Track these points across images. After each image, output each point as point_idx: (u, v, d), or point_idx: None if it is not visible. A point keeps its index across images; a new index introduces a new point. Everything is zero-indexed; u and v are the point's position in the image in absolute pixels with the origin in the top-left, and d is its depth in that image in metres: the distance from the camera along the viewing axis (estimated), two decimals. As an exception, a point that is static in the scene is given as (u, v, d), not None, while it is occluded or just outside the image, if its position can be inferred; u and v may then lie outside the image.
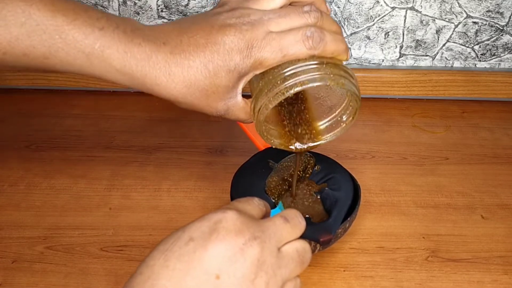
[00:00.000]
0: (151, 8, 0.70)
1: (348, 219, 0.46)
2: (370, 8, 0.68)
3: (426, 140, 0.67)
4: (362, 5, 0.68)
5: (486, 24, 0.70)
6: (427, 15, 0.69)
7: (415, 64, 0.74)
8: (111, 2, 0.69)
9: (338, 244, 0.50)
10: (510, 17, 0.69)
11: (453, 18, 0.69)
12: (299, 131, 0.44)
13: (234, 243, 0.28)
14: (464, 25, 0.70)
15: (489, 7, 0.68)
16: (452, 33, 0.71)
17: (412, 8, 0.68)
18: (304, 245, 0.32)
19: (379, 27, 0.70)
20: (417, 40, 0.71)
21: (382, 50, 0.73)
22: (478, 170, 0.62)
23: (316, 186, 0.52)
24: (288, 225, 0.32)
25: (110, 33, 0.34)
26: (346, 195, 0.49)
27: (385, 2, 0.68)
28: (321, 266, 0.49)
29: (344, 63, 0.38)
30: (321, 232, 0.44)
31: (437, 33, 0.71)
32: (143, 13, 0.70)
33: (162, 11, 0.70)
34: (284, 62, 0.36)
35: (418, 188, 0.59)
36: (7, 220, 0.53)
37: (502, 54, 0.73)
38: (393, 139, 0.67)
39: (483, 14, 0.69)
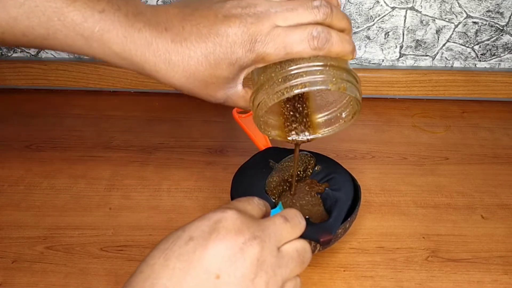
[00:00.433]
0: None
1: (348, 219, 0.46)
2: (370, 8, 0.68)
3: (426, 140, 0.67)
4: (362, 5, 0.68)
5: (486, 24, 0.70)
6: (427, 15, 0.69)
7: (415, 64, 0.74)
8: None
9: (338, 244, 0.50)
10: (510, 17, 0.69)
11: (453, 18, 0.69)
12: (298, 123, 0.43)
13: (234, 243, 0.28)
14: (464, 25, 0.70)
15: (489, 7, 0.68)
16: (452, 33, 0.71)
17: (412, 8, 0.68)
18: (304, 245, 0.32)
19: (379, 27, 0.70)
20: (417, 40, 0.71)
21: (382, 50, 0.73)
22: (478, 170, 0.62)
23: (318, 185, 0.52)
24: (288, 225, 0.31)
25: (110, 16, 0.34)
26: (346, 195, 0.49)
27: (385, 2, 0.68)
28: (321, 266, 0.49)
29: None
30: (321, 232, 0.44)
31: (437, 33, 0.71)
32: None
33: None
34: (287, 59, 0.36)
35: (418, 188, 0.59)
36: (7, 220, 0.53)
37: (502, 54, 0.73)
38: (393, 139, 0.67)
39: (483, 14, 0.69)
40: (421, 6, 0.68)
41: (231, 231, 0.29)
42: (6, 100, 0.75)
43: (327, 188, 0.50)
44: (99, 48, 0.35)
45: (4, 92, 0.76)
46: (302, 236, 0.32)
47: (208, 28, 0.35)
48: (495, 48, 0.72)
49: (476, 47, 0.72)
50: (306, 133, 0.43)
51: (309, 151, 0.54)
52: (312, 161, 0.54)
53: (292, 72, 0.35)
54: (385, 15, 0.69)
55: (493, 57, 0.73)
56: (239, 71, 0.36)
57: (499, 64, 0.74)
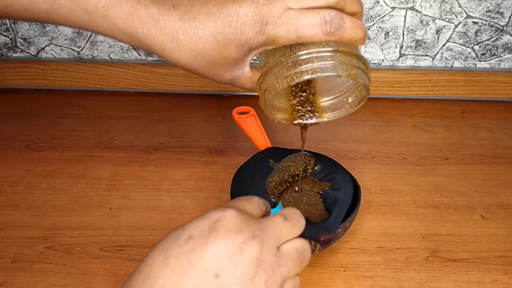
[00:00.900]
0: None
1: (348, 219, 0.46)
2: (370, 8, 0.68)
3: (426, 140, 0.67)
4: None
5: (486, 24, 0.70)
6: (427, 15, 0.69)
7: (415, 64, 0.74)
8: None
9: (338, 244, 0.50)
10: (510, 17, 0.69)
11: (453, 18, 0.69)
12: (304, 106, 0.42)
13: (233, 242, 0.28)
14: (464, 25, 0.70)
15: (489, 7, 0.68)
16: (452, 33, 0.71)
17: (412, 8, 0.68)
18: (303, 244, 0.32)
19: (379, 27, 0.70)
20: (417, 40, 0.71)
21: (382, 50, 0.73)
22: (478, 170, 0.62)
23: (320, 184, 0.51)
24: (288, 224, 0.31)
25: None
26: (346, 195, 0.49)
27: (385, 2, 0.68)
28: (321, 266, 0.49)
29: None
30: (321, 231, 0.44)
31: (437, 33, 0.71)
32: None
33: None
34: (298, 43, 0.35)
35: (418, 188, 0.59)
36: (7, 220, 0.53)
37: (502, 54, 0.73)
38: (393, 139, 0.67)
39: (483, 14, 0.69)
40: (421, 6, 0.68)
41: (230, 230, 0.28)
42: (6, 100, 0.75)
43: (327, 188, 0.50)
44: (103, 24, 0.34)
45: (4, 92, 0.76)
46: (302, 235, 0.32)
47: (218, 7, 0.34)
48: (495, 48, 0.72)
49: (476, 47, 0.72)
50: (312, 117, 0.43)
51: (309, 151, 0.54)
52: (312, 161, 0.54)
53: (303, 57, 0.35)
54: (385, 15, 0.69)
55: (493, 57, 0.73)
56: (248, 53, 0.36)
57: (499, 64, 0.74)
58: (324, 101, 0.43)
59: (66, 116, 0.71)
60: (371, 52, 0.73)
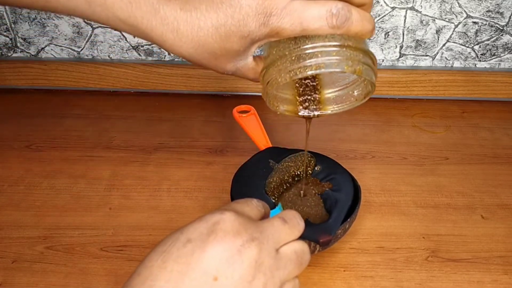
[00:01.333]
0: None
1: (348, 220, 0.46)
2: (370, 8, 0.68)
3: (426, 140, 0.67)
4: (362, 5, 0.68)
5: (486, 24, 0.69)
6: (427, 15, 0.69)
7: (415, 64, 0.74)
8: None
9: (338, 244, 0.50)
10: (510, 17, 0.69)
11: (453, 18, 0.69)
12: (309, 98, 0.42)
13: (232, 245, 0.28)
14: (464, 25, 0.70)
15: (489, 7, 0.68)
16: (452, 33, 0.71)
17: (412, 8, 0.68)
18: (302, 246, 0.32)
19: (379, 27, 0.70)
20: (417, 40, 0.71)
21: (382, 50, 0.73)
22: (478, 170, 0.62)
23: (320, 185, 0.51)
24: (287, 226, 0.31)
25: None
26: (346, 196, 0.49)
27: (385, 2, 0.68)
28: (321, 266, 0.49)
29: None
30: (321, 233, 0.44)
31: (437, 33, 0.71)
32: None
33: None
34: (303, 35, 0.34)
35: (418, 188, 0.59)
36: (7, 220, 0.53)
37: (502, 54, 0.73)
38: (393, 139, 0.67)
39: (483, 14, 0.68)
40: (421, 6, 0.68)
41: (229, 233, 0.28)
42: (6, 100, 0.75)
43: (327, 189, 0.50)
44: (102, 13, 0.33)
45: (4, 92, 0.76)
46: (301, 237, 0.32)
47: None
48: (495, 48, 0.72)
49: (476, 47, 0.72)
50: (316, 109, 0.42)
51: (309, 151, 0.54)
52: (312, 161, 0.54)
53: (307, 51, 0.34)
54: (385, 15, 0.69)
55: (493, 57, 0.73)
56: (251, 45, 0.35)
57: (499, 64, 0.74)
58: (329, 92, 0.42)
59: (66, 116, 0.71)
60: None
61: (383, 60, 0.74)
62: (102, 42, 0.74)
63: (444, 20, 0.69)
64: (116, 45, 0.74)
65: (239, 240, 0.28)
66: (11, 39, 0.74)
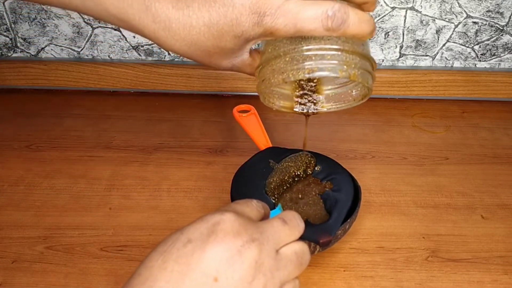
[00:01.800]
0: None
1: (348, 220, 0.46)
2: (370, 8, 0.68)
3: (426, 140, 0.67)
4: (362, 5, 0.68)
5: (486, 24, 0.69)
6: (427, 15, 0.69)
7: (415, 64, 0.74)
8: None
9: (338, 244, 0.50)
10: (510, 17, 0.69)
11: (453, 18, 0.69)
12: (305, 94, 0.42)
13: (232, 245, 0.28)
14: (464, 25, 0.70)
15: (489, 7, 0.68)
16: (452, 33, 0.71)
17: (412, 8, 0.68)
18: (302, 247, 0.32)
19: (379, 27, 0.70)
20: (417, 40, 0.71)
21: (382, 50, 0.73)
22: (478, 170, 0.62)
23: (320, 185, 0.51)
24: (287, 227, 0.31)
25: None
26: (347, 196, 0.49)
27: (385, 2, 0.68)
28: (321, 266, 0.49)
29: None
30: (321, 233, 0.44)
31: (437, 33, 0.71)
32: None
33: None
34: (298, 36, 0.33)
35: (418, 188, 0.59)
36: (7, 220, 0.53)
37: (502, 54, 0.73)
38: (393, 139, 0.67)
39: (483, 14, 0.68)
40: (421, 6, 0.68)
41: (229, 234, 0.28)
42: (6, 100, 0.75)
43: (327, 189, 0.50)
44: (95, 8, 0.33)
45: (4, 92, 0.76)
46: (301, 237, 0.32)
47: None
48: (495, 48, 0.72)
49: (476, 47, 0.72)
50: (313, 106, 0.42)
51: (309, 151, 0.54)
52: (312, 161, 0.54)
53: (302, 53, 0.33)
54: (385, 15, 0.69)
55: (493, 57, 0.73)
56: (245, 43, 0.34)
57: (499, 64, 0.74)
58: (328, 89, 0.42)
59: (66, 116, 0.71)
60: (371, 52, 0.72)
61: (383, 60, 0.74)
62: (102, 42, 0.74)
63: (444, 20, 0.69)
64: (116, 45, 0.74)
65: (239, 241, 0.28)
66: (11, 39, 0.74)
